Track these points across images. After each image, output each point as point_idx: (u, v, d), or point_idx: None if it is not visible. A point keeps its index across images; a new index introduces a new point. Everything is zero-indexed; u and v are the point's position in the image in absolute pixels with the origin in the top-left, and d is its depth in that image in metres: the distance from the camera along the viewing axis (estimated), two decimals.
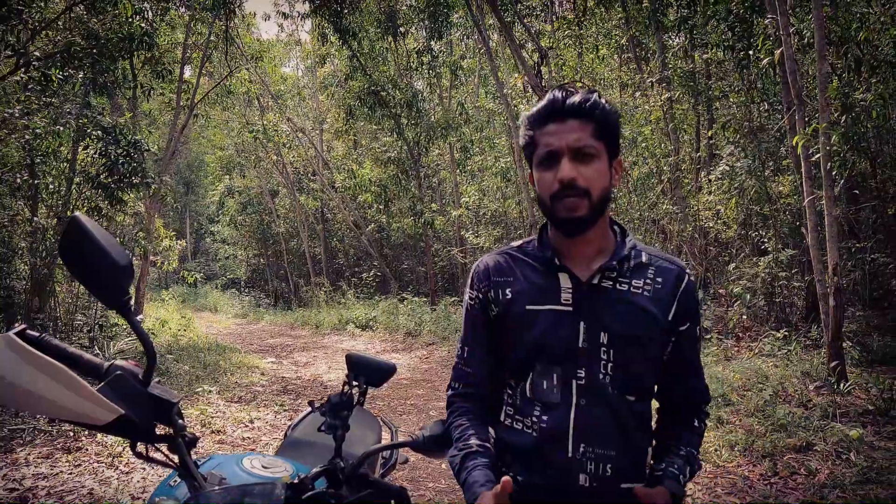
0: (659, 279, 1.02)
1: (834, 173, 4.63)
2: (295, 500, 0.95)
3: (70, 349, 0.95)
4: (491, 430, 1.06)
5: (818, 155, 4.34)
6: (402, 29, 11.82)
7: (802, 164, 4.57)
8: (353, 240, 16.52)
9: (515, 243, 1.10)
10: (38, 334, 0.92)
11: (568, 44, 8.86)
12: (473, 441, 1.01)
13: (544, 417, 0.98)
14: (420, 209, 11.85)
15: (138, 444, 0.95)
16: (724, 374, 4.62)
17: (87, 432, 3.84)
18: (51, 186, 6.28)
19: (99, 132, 6.07)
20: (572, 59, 8.84)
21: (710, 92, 7.47)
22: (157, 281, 21.12)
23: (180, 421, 0.95)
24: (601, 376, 0.97)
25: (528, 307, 1.01)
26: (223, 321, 13.05)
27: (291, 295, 16.99)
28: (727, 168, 6.43)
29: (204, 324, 11.47)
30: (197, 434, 1.05)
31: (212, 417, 4.53)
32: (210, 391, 5.29)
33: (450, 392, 1.11)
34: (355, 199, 14.22)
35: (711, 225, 6.90)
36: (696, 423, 1.08)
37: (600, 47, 8.82)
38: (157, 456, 0.99)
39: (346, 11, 10.82)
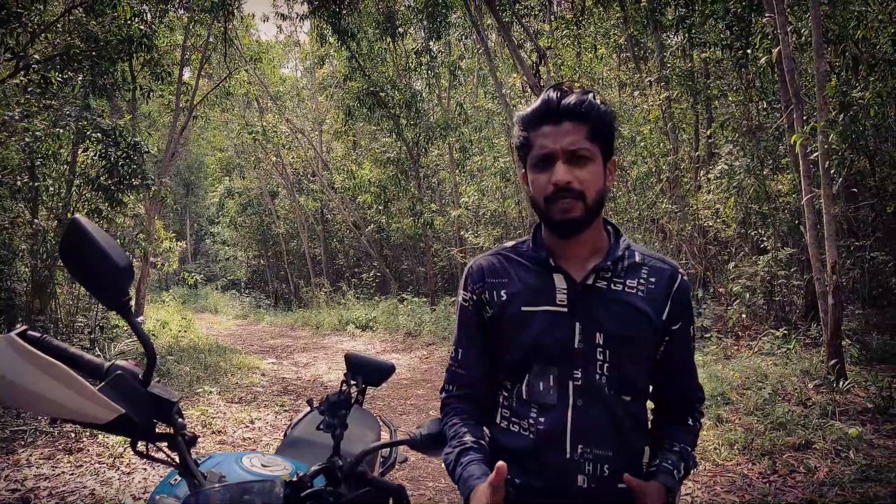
0: (652, 279, 1.02)
1: (832, 172, 4.64)
2: (294, 498, 0.96)
3: (71, 349, 0.96)
4: (486, 429, 1.06)
5: (816, 153, 4.35)
6: (400, 29, 11.83)
7: (801, 163, 4.58)
8: (353, 240, 16.54)
9: (509, 244, 1.09)
10: (39, 335, 0.93)
11: (566, 43, 8.87)
12: (468, 438, 1.01)
13: (541, 419, 0.97)
14: (419, 209, 11.86)
15: (139, 442, 0.96)
16: (723, 372, 4.62)
17: (88, 433, 3.85)
18: (51, 188, 6.30)
19: (99, 134, 6.09)
20: (571, 58, 8.85)
21: (709, 91, 7.48)
22: (157, 282, 21.14)
23: (180, 420, 0.96)
24: (597, 377, 0.97)
25: (523, 308, 1.00)
26: (223, 322, 13.07)
27: (291, 296, 17.00)
28: (726, 167, 6.43)
29: (204, 325, 11.49)
30: (198, 435, 1.06)
31: (212, 418, 4.54)
32: (211, 392, 5.31)
33: (444, 394, 1.10)
34: (355, 199, 14.23)
35: (711, 224, 6.91)
36: (690, 422, 1.08)
37: (599, 47, 8.83)
38: (158, 455, 1.00)
39: (344, 12, 10.83)
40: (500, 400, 1.06)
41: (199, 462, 1.01)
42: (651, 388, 1.08)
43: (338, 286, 14.23)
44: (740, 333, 5.95)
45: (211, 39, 10.57)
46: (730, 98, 7.42)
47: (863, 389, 4.16)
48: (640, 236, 7.19)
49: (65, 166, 6.47)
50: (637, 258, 1.03)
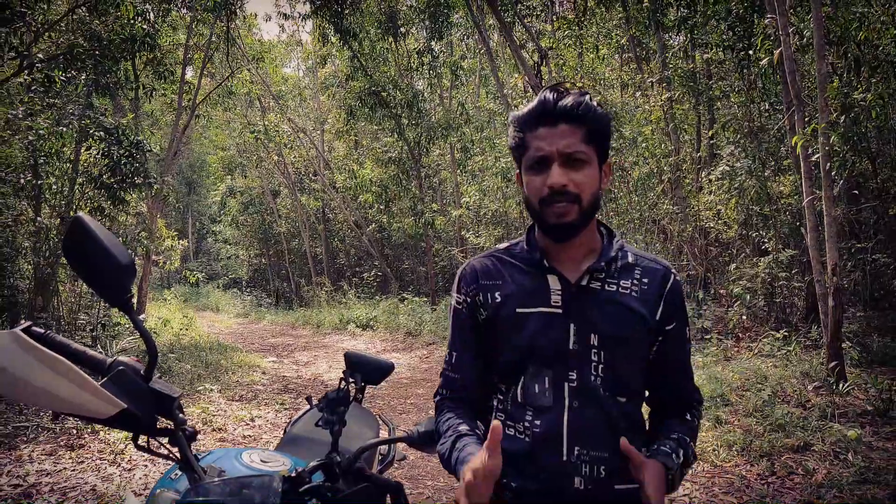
0: (645, 279, 1.02)
1: (833, 173, 4.63)
2: (292, 493, 0.97)
3: (74, 345, 0.97)
4: (480, 424, 1.05)
5: (818, 155, 4.35)
6: (402, 29, 11.84)
7: (802, 165, 4.58)
8: (354, 240, 16.56)
9: (502, 245, 1.09)
10: (43, 331, 0.94)
11: (568, 44, 8.87)
12: (463, 427, 1.00)
13: (537, 422, 0.97)
14: (421, 209, 11.87)
15: (140, 437, 0.98)
16: (723, 374, 4.62)
17: (89, 430, 3.87)
18: (54, 187, 6.33)
19: (101, 133, 6.11)
20: (572, 59, 8.85)
21: (711, 92, 7.48)
22: (159, 280, 21.20)
23: (181, 415, 0.98)
24: (593, 378, 0.96)
25: (518, 310, 1.00)
26: (225, 321, 13.10)
27: (293, 294, 17.03)
28: (727, 168, 6.43)
29: (206, 323, 11.52)
30: (198, 430, 1.08)
31: (213, 416, 4.56)
32: (212, 390, 5.33)
33: (437, 398, 1.10)
34: (356, 199, 14.25)
35: (712, 225, 6.91)
36: (688, 417, 1.07)
37: (600, 47, 8.83)
38: (159, 450, 1.01)
39: (346, 12, 10.85)
40: (495, 403, 1.05)
41: (199, 457, 1.03)
42: (647, 392, 1.07)
43: (339, 285, 14.25)
44: (741, 335, 5.95)
45: (213, 39, 10.60)
46: (731, 99, 7.42)
47: (862, 392, 4.16)
48: (641, 237, 7.19)
49: (68, 164, 6.49)
50: (630, 259, 1.03)
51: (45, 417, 3.97)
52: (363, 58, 11.71)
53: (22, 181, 5.58)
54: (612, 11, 8.53)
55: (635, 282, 1.01)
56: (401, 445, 1.25)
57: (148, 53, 7.29)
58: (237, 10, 10.19)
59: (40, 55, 5.90)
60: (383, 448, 1.53)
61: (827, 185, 4.30)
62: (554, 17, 10.30)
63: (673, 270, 1.05)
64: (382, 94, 11.30)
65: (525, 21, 9.54)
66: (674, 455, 0.98)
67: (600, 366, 0.97)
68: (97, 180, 6.32)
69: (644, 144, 7.26)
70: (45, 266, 5.97)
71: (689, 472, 3.23)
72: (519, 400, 0.99)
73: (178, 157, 14.22)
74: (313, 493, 1.00)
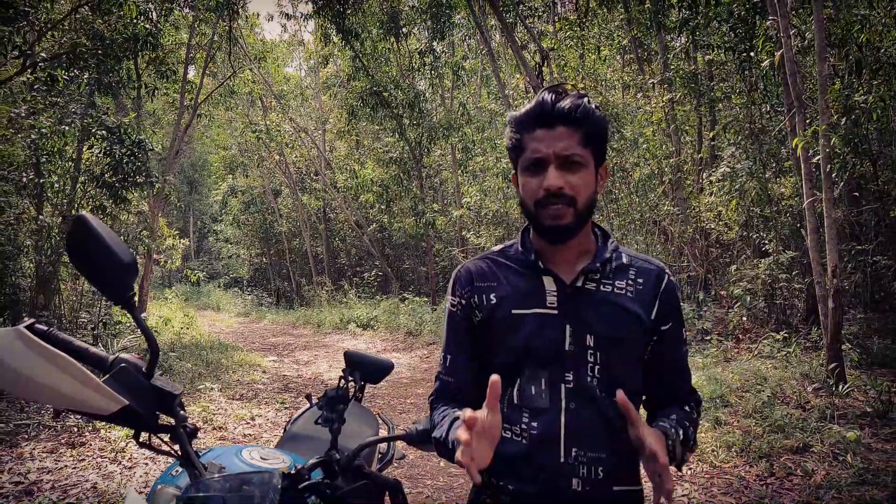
0: (640, 280, 1.02)
1: (834, 175, 4.64)
2: (292, 490, 0.98)
3: (76, 342, 0.98)
4: None
5: (818, 157, 4.35)
6: (404, 30, 11.85)
7: (803, 166, 4.58)
8: (355, 239, 16.57)
9: (496, 247, 1.10)
10: (46, 328, 0.95)
11: (570, 45, 8.87)
12: (459, 413, 0.97)
13: (534, 424, 0.96)
14: (421, 209, 11.88)
15: (141, 433, 0.99)
16: (722, 375, 4.63)
17: (90, 427, 3.89)
18: (56, 185, 6.35)
19: (104, 132, 6.13)
20: (574, 59, 8.85)
21: (712, 93, 7.48)
22: (160, 279, 21.24)
23: (182, 412, 0.99)
24: (589, 379, 0.96)
25: (513, 311, 0.99)
26: (226, 320, 13.12)
27: (293, 294, 17.05)
28: (728, 169, 6.43)
29: (207, 322, 11.53)
30: (199, 427, 1.09)
31: (214, 414, 4.57)
32: (212, 388, 5.34)
33: (432, 398, 1.10)
34: (357, 198, 14.26)
35: (713, 226, 6.91)
36: (687, 408, 1.05)
37: (602, 48, 8.83)
38: (161, 447, 1.02)
39: (348, 12, 10.86)
40: None
41: (199, 454, 1.04)
42: (644, 395, 1.07)
43: (339, 285, 14.27)
44: (741, 336, 5.95)
45: (215, 38, 10.62)
46: (733, 101, 7.42)
47: (862, 393, 4.17)
48: (641, 238, 7.20)
49: (70, 163, 6.52)
50: (625, 260, 1.04)
51: (47, 415, 3.99)
52: (365, 58, 11.73)
53: (24, 179, 5.60)
54: (614, 12, 8.54)
55: (630, 282, 1.01)
56: (400, 444, 1.26)
57: (150, 53, 7.31)
58: (239, 10, 10.21)
59: (43, 54, 5.92)
60: (383, 446, 1.55)
61: (828, 187, 4.31)
62: (555, 17, 10.31)
63: (667, 270, 1.05)
64: (384, 94, 11.31)
65: (527, 22, 9.55)
66: (672, 430, 0.95)
67: (596, 366, 0.97)
68: (99, 179, 6.34)
69: (645, 145, 7.27)
70: (46, 264, 5.99)
71: (690, 457, 3.23)
72: (515, 402, 0.99)
73: (180, 156, 14.26)
74: (312, 489, 1.00)
